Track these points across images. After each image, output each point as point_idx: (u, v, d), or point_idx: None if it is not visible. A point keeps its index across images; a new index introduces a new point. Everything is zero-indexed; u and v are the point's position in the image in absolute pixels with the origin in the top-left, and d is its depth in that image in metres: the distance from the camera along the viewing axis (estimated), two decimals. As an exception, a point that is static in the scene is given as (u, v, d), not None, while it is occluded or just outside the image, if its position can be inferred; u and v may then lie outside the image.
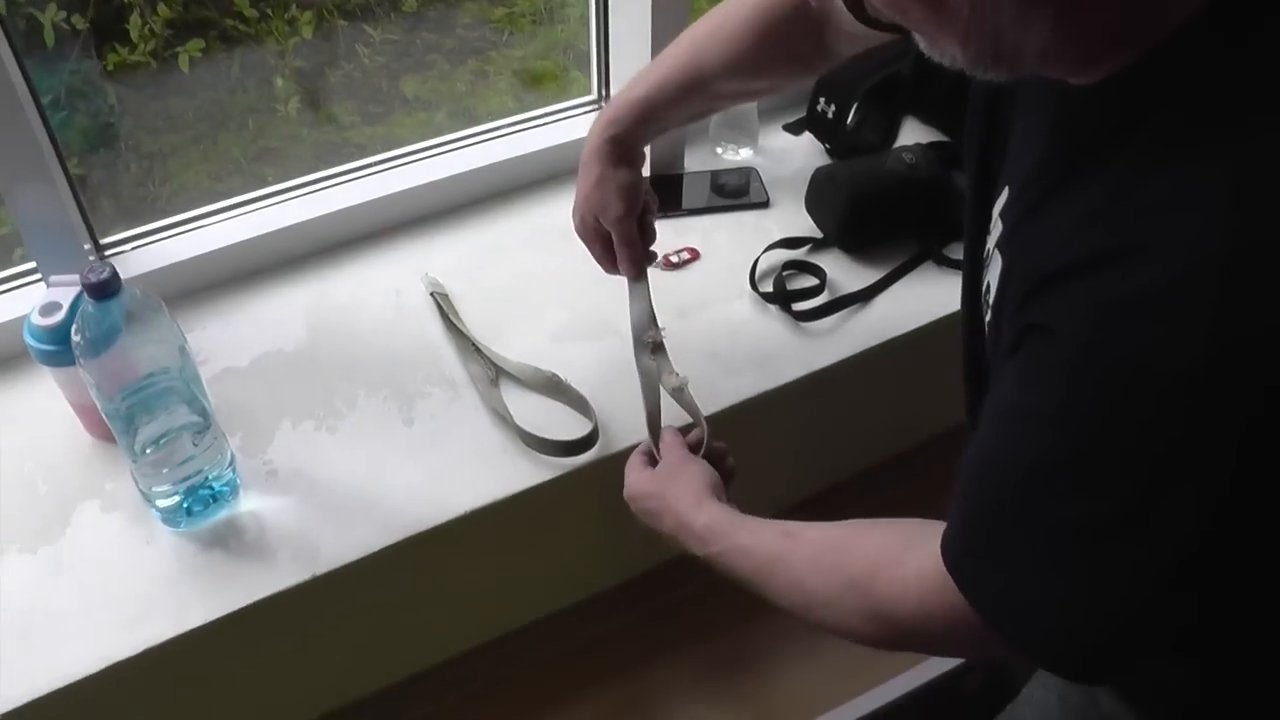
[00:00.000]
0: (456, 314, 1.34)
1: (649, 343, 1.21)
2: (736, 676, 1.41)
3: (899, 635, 0.85)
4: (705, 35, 1.12)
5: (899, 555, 0.84)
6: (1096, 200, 0.67)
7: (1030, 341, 0.70)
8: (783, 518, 1.47)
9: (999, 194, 0.83)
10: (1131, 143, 0.66)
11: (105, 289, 0.95)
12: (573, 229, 1.21)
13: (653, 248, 1.22)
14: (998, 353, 0.78)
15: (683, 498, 1.07)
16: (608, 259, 1.21)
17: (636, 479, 1.13)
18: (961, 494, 0.77)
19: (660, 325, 1.22)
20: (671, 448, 1.14)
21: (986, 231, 0.86)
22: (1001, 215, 0.82)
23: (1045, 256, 0.69)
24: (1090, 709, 1.05)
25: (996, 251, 0.81)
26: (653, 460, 1.16)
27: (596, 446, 1.21)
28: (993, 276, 0.81)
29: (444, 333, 1.33)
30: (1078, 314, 0.65)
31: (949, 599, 0.76)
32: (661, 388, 1.21)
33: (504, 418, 1.22)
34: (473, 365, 1.28)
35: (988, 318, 0.84)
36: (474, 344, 1.30)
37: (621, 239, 1.18)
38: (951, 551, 0.77)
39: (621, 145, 1.14)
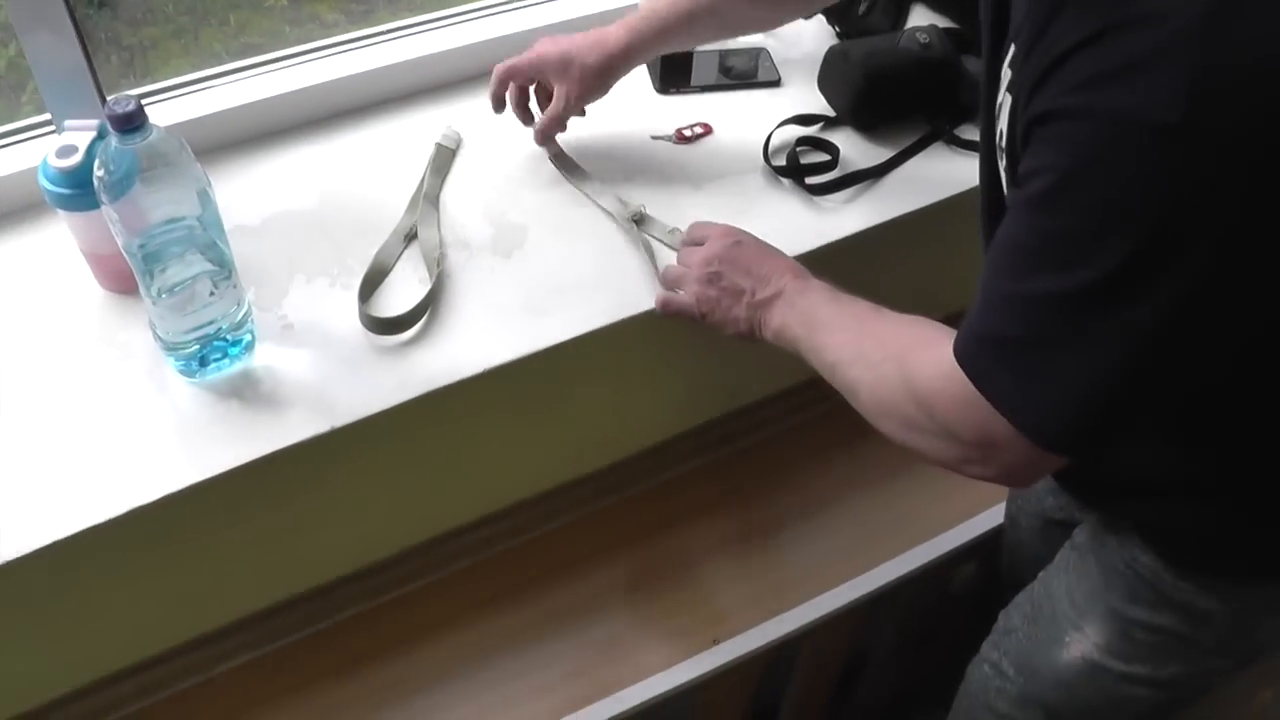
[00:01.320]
0: (446, 170, 1.35)
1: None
2: (750, 548, 1.43)
3: (917, 405, 0.90)
4: None
5: (935, 340, 0.90)
6: (1087, 6, 0.70)
7: (1032, 136, 0.74)
8: (801, 388, 1.49)
9: (1007, 52, 0.85)
10: None
11: (131, 121, 0.93)
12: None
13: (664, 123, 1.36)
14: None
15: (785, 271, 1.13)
16: (522, 107, 1.35)
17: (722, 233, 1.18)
18: (977, 297, 0.83)
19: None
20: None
21: (998, 88, 0.87)
22: (1010, 65, 0.84)
23: (1044, 60, 0.73)
24: (1126, 568, 1.07)
25: (1007, 93, 0.83)
26: None
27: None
28: (1004, 122, 0.84)
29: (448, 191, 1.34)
30: (1069, 89, 0.70)
31: (959, 386, 0.83)
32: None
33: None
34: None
35: (1002, 165, 0.86)
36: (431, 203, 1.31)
37: (557, 110, 1.30)
38: (960, 340, 0.84)
39: (627, 60, 1.27)
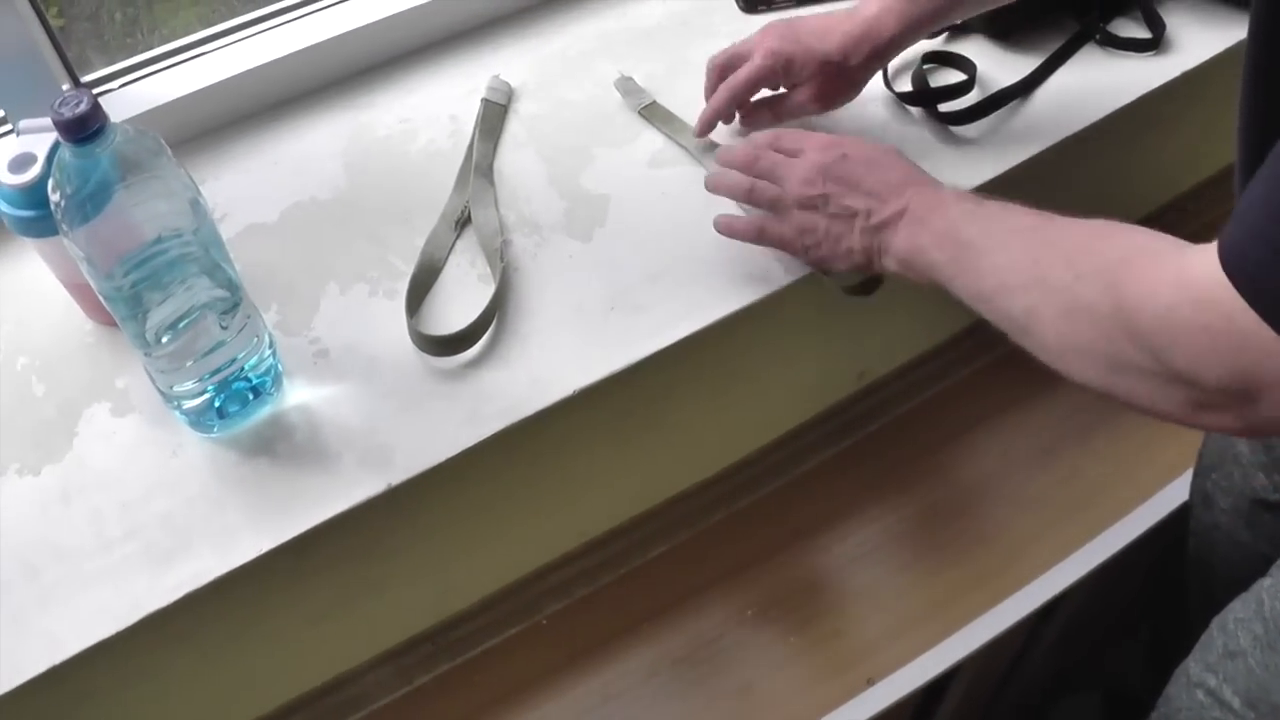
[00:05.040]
0: (499, 132, 1.11)
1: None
2: (898, 556, 1.19)
3: (1133, 340, 0.71)
4: None
5: (1160, 251, 0.72)
6: None
7: None
8: (936, 353, 1.27)
9: None
10: None
11: (84, 126, 0.70)
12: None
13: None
14: None
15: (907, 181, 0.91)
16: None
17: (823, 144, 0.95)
18: (1256, 190, 0.64)
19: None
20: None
21: None
22: None
23: None
24: None
25: None
26: None
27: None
28: None
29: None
30: None
31: (1208, 313, 0.66)
32: None
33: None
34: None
35: None
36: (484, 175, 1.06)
37: (785, 114, 1.07)
38: (1232, 245, 0.65)
39: (891, 53, 1.05)
